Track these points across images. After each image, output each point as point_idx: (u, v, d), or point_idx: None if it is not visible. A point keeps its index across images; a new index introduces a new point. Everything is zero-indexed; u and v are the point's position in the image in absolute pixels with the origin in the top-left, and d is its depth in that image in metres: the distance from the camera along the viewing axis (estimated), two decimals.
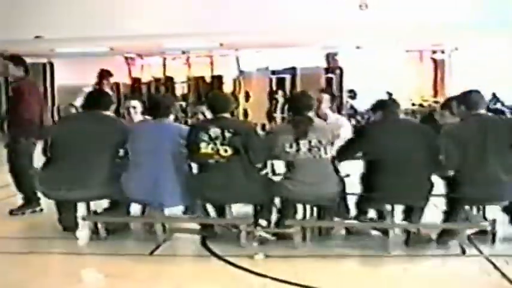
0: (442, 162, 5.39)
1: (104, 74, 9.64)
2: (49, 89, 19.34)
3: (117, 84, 19.39)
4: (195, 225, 5.95)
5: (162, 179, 5.52)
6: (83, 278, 4.63)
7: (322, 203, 5.65)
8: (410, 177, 5.31)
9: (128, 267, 5.06)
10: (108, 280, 4.66)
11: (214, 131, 5.47)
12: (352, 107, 19.02)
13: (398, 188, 5.29)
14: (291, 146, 5.46)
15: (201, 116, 6.36)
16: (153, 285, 4.66)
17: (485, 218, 5.64)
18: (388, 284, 4.68)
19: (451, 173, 5.44)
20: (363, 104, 17.89)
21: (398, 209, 5.59)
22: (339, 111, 14.98)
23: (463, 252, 5.26)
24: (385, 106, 5.76)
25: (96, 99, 6.13)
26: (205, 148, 5.46)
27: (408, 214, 5.61)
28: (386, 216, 5.49)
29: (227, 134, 5.45)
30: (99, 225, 5.73)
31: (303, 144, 5.43)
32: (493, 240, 5.47)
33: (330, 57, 20.73)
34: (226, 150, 5.44)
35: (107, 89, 9.25)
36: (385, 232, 5.53)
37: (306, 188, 5.41)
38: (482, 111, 5.58)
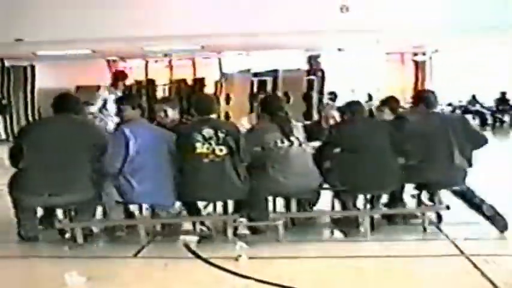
0: (407, 153, 6.01)
1: (119, 75, 9.76)
2: (29, 92, 19.22)
3: (98, 87, 19.39)
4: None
5: (163, 180, 5.67)
6: (65, 281, 4.60)
7: (308, 194, 6.12)
8: (381, 167, 5.89)
9: (111, 269, 5.06)
10: (91, 283, 4.64)
11: (208, 132, 5.72)
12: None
13: (372, 177, 5.87)
14: (282, 142, 5.87)
15: (162, 114, 6.41)
16: (137, 287, 4.66)
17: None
18: (373, 283, 4.72)
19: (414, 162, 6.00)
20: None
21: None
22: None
23: (425, 230, 5.97)
24: (353, 107, 6.37)
25: (67, 102, 5.98)
26: (200, 148, 5.69)
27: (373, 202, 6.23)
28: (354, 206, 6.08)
29: (220, 134, 5.73)
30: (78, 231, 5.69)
31: (294, 139, 5.91)
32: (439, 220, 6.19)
33: (312, 59, 20.84)
34: (221, 150, 5.70)
35: (121, 91, 9.41)
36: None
37: (298, 179, 5.84)
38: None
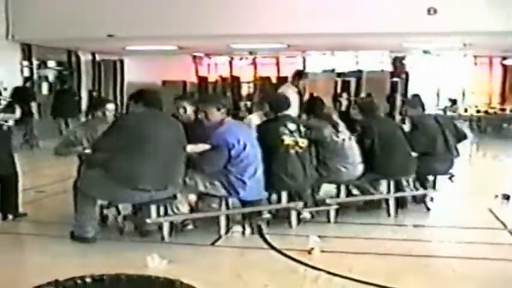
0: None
1: (301, 74, 10.38)
2: (119, 85, 19.95)
3: (184, 82, 19.92)
4: None
5: (261, 175, 6.03)
6: (147, 263, 4.87)
7: (358, 181, 6.91)
8: (399, 155, 6.89)
9: (190, 255, 5.35)
10: (171, 266, 4.89)
11: (292, 126, 6.30)
12: None
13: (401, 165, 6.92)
14: (337, 136, 6.66)
15: (182, 111, 6.46)
16: (214, 272, 4.88)
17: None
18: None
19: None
20: (428, 108, 17.76)
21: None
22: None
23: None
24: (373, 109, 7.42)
25: (159, 99, 5.96)
26: (288, 140, 6.19)
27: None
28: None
29: (302, 128, 6.38)
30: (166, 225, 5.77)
31: (342, 134, 6.71)
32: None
33: (397, 61, 20.64)
34: (303, 142, 6.32)
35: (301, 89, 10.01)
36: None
37: (352, 168, 6.67)
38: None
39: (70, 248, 5.57)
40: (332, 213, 6.58)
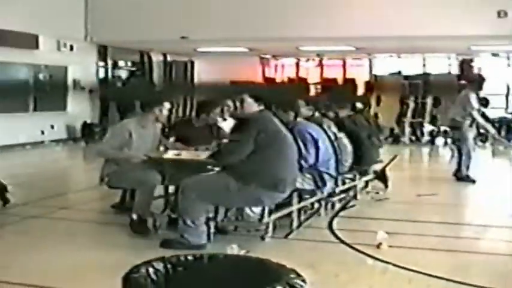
0: None
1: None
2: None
3: (251, 83, 20.29)
4: None
5: None
6: (227, 252, 5.23)
7: None
8: None
9: (266, 247, 5.70)
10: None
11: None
12: (483, 115, 18.70)
13: None
14: None
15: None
16: (287, 262, 5.19)
17: None
18: None
19: None
20: (497, 112, 17.69)
21: None
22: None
23: None
24: None
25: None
26: None
27: None
28: None
29: None
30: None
31: None
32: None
33: (465, 63, 20.48)
34: None
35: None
36: None
37: None
38: None
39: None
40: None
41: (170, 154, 6.47)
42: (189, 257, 2.86)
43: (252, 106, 5.64)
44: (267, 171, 5.42)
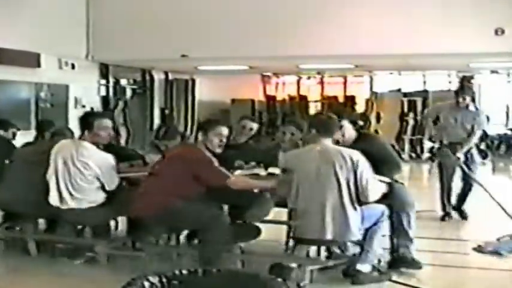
0: None
1: None
2: (190, 103, 20.62)
3: (252, 101, 20.44)
4: None
5: None
6: None
7: None
8: None
9: None
10: None
11: None
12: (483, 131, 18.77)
13: None
14: None
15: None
16: None
17: None
18: None
19: None
20: (495, 128, 17.77)
21: None
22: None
23: None
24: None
25: None
26: None
27: None
28: None
29: None
30: None
31: None
32: None
33: (465, 81, 20.58)
34: None
35: None
36: None
37: None
38: None
39: None
40: None
41: None
42: (184, 272, 2.92)
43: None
44: None
